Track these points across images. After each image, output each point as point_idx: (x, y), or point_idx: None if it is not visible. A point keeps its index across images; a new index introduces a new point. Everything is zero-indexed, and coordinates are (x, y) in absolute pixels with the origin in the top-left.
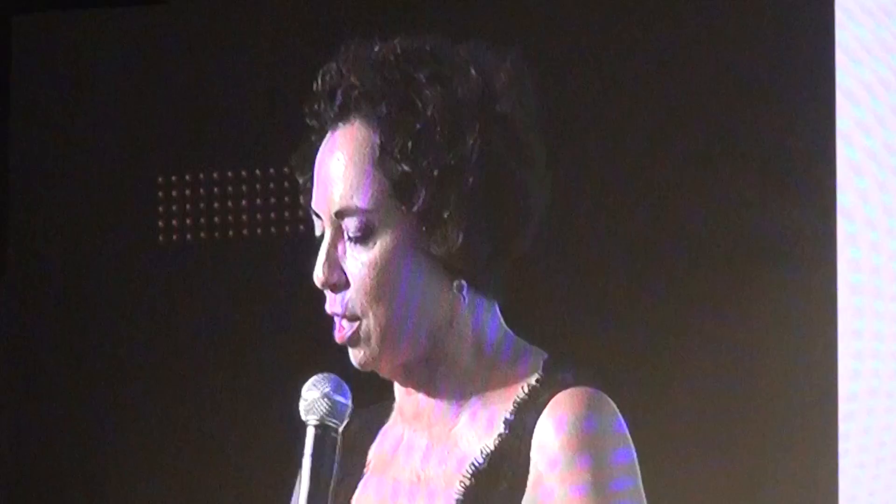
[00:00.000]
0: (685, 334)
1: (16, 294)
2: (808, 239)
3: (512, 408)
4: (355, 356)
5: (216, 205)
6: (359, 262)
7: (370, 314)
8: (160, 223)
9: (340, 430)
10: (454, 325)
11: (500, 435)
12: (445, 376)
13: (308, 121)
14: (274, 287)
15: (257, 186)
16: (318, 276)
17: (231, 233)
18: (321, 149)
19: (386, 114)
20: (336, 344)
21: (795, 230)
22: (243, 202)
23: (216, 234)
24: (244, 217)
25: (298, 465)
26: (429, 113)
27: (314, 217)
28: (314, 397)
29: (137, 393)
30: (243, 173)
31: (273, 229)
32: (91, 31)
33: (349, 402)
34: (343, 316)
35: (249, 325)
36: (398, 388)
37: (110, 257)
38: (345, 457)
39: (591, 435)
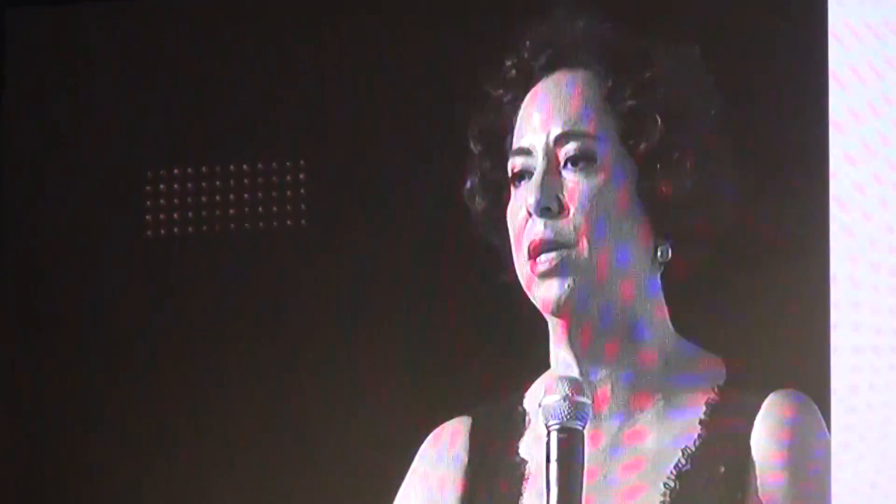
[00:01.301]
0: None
1: (1, 287)
2: (800, 229)
3: (705, 408)
4: (549, 290)
5: (204, 199)
6: (579, 187)
7: (583, 242)
8: (148, 217)
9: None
10: (646, 302)
11: (699, 436)
12: (628, 364)
13: (493, 90)
14: (263, 281)
15: (245, 181)
16: (534, 198)
17: (218, 227)
18: (533, 92)
19: (617, 61)
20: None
21: (788, 221)
22: (231, 196)
23: (204, 228)
24: (232, 211)
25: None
26: (658, 65)
27: (515, 158)
28: (554, 401)
29: (122, 386)
30: (231, 168)
31: (261, 224)
32: (81, 25)
33: (590, 401)
34: (552, 243)
35: (237, 320)
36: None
37: (97, 251)
38: (493, 457)
39: (813, 440)
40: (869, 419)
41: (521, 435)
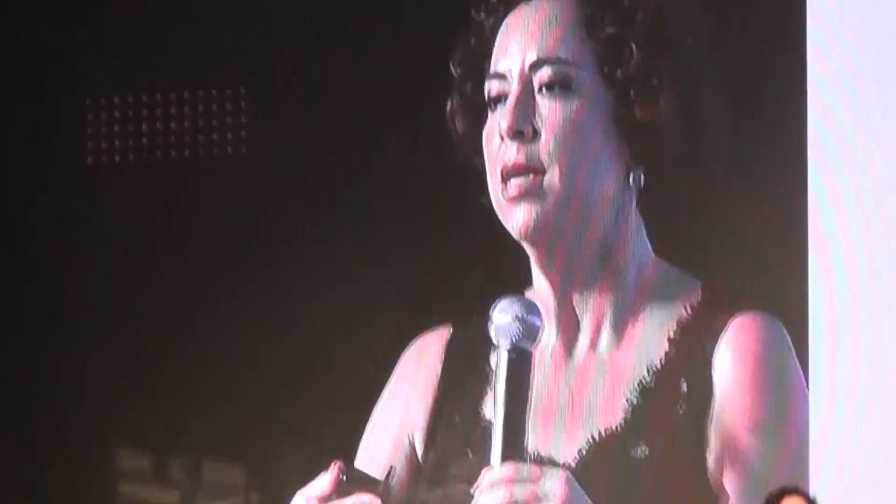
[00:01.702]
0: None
1: None
2: (778, 156)
3: (675, 326)
4: (525, 213)
5: (145, 127)
6: (553, 112)
7: (555, 167)
8: (89, 144)
9: (534, 351)
10: (622, 225)
11: (665, 354)
12: (604, 286)
13: (475, 15)
14: (205, 209)
15: (186, 109)
16: (507, 122)
17: (160, 154)
18: (511, 17)
19: None
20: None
21: (767, 148)
22: (172, 124)
23: (145, 156)
24: (173, 139)
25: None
26: None
27: (491, 82)
28: (506, 321)
29: (60, 315)
30: (172, 95)
31: (201, 151)
32: None
33: (541, 323)
34: (525, 168)
35: (178, 248)
36: (545, 296)
37: (38, 179)
38: (465, 368)
39: (778, 364)
40: (847, 347)
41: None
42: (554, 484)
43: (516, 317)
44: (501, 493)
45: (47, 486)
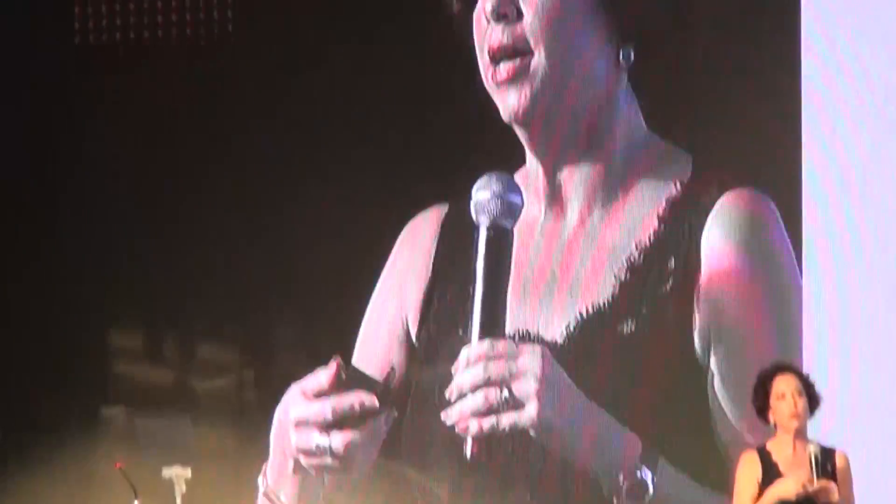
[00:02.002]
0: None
1: None
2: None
3: (665, 204)
4: (508, 99)
5: (132, 6)
6: None
7: (541, 49)
8: (77, 24)
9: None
10: (612, 104)
11: (654, 231)
12: (595, 163)
13: None
14: (193, 91)
15: None
16: (491, 4)
17: (147, 34)
18: None
19: None
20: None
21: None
22: (158, 3)
23: (132, 36)
24: (160, 19)
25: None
26: None
27: None
28: (486, 198)
29: (53, 194)
30: None
31: (188, 31)
32: None
33: (521, 202)
34: (512, 50)
35: (169, 127)
36: (536, 174)
37: (27, 58)
38: (458, 243)
39: (767, 241)
40: (841, 224)
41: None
42: (529, 360)
43: (495, 195)
44: (477, 370)
45: (42, 365)
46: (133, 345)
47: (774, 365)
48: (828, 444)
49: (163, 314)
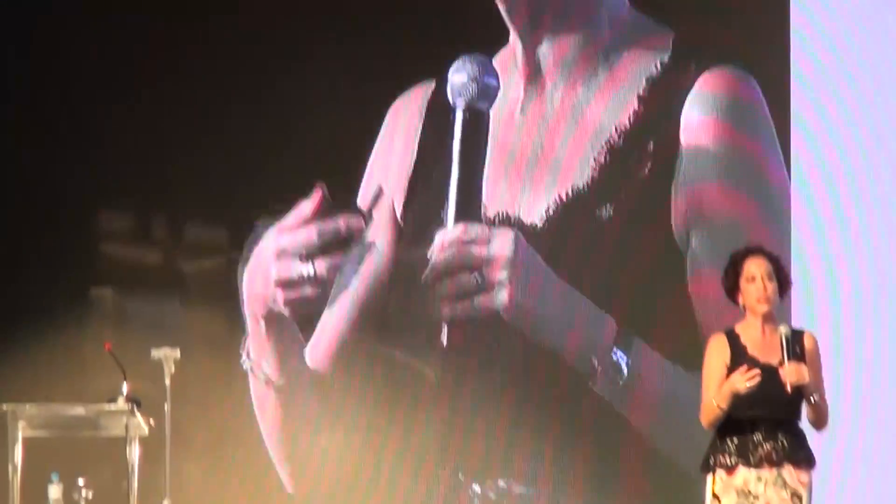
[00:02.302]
0: None
1: None
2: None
3: (645, 85)
4: None
5: None
6: None
7: None
8: None
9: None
10: None
11: (634, 112)
12: (575, 39)
13: None
14: None
15: None
16: None
17: None
18: None
19: None
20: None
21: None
22: None
23: None
24: None
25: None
26: None
27: None
28: (462, 81)
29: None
30: None
31: None
32: None
33: (497, 84)
34: None
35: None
36: (516, 52)
37: None
38: (444, 119)
39: (748, 120)
40: (832, 108)
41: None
42: (503, 245)
43: (471, 77)
44: (452, 254)
45: (31, 247)
46: (122, 226)
47: (746, 247)
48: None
49: (152, 195)
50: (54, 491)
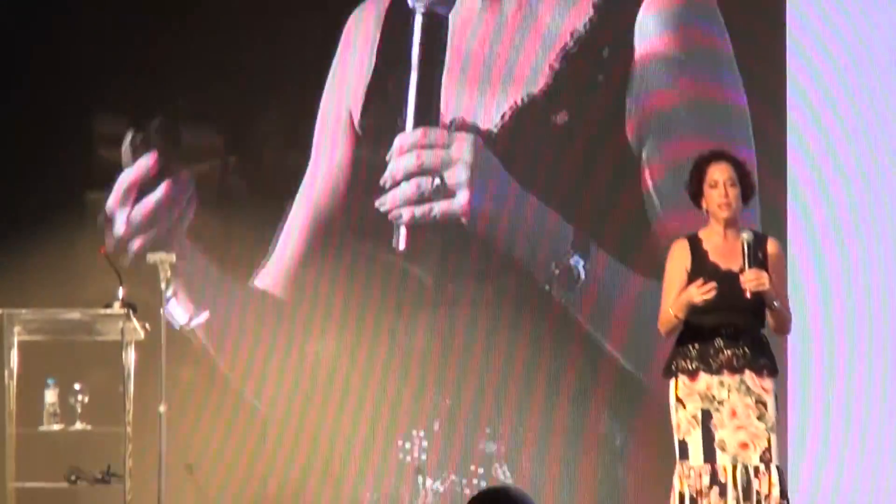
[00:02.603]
0: None
1: None
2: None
3: None
4: None
5: None
6: None
7: None
8: None
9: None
10: None
11: (590, 19)
12: None
13: None
14: None
15: None
16: None
17: None
18: None
19: None
20: None
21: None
22: None
23: None
24: None
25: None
26: None
27: None
28: None
29: None
30: None
31: None
32: None
33: None
34: None
35: None
36: None
37: None
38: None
39: (701, 23)
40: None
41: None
42: (461, 148)
43: None
44: (410, 159)
45: (26, 151)
46: (118, 129)
47: (711, 151)
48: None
49: (147, 98)
50: (50, 395)
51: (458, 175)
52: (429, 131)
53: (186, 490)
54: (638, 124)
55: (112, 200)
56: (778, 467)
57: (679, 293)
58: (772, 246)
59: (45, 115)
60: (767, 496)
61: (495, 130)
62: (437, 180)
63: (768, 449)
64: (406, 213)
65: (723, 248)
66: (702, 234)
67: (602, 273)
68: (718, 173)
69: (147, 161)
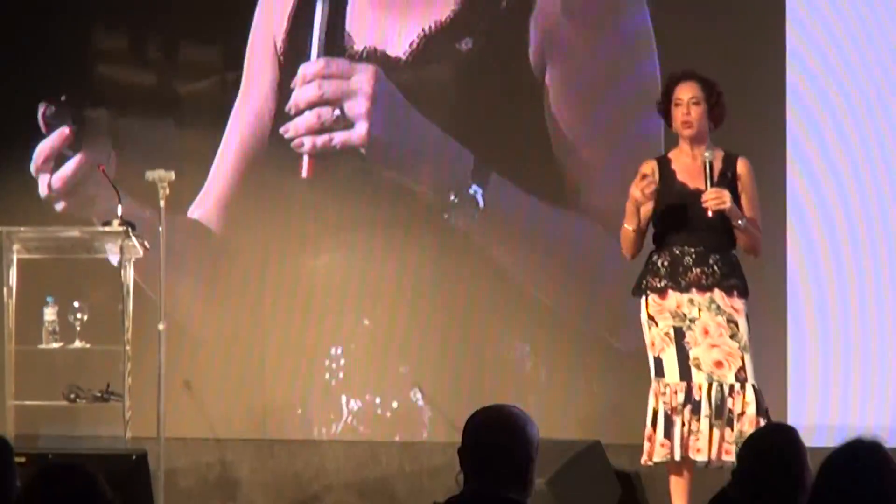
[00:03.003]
0: None
1: None
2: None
3: None
4: None
5: None
6: None
7: None
8: None
9: None
10: None
11: None
12: None
13: None
14: None
15: None
16: None
17: None
18: None
19: None
20: None
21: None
22: None
23: None
24: None
25: None
26: None
27: None
28: None
29: None
30: None
31: None
32: None
33: None
34: None
35: None
36: None
37: None
38: None
39: None
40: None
41: None
42: (363, 79)
43: None
44: (312, 88)
45: (26, 68)
46: (116, 45)
47: (682, 71)
48: None
49: (146, 14)
50: (49, 313)
51: (357, 106)
52: (330, 62)
53: (185, 408)
54: (539, 48)
55: (32, 166)
56: (754, 386)
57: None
58: (742, 166)
59: (46, 29)
60: (741, 414)
61: (404, 58)
62: (337, 111)
63: (743, 368)
64: (308, 143)
65: (691, 167)
66: (671, 154)
67: (503, 201)
68: (682, 92)
69: (62, 133)
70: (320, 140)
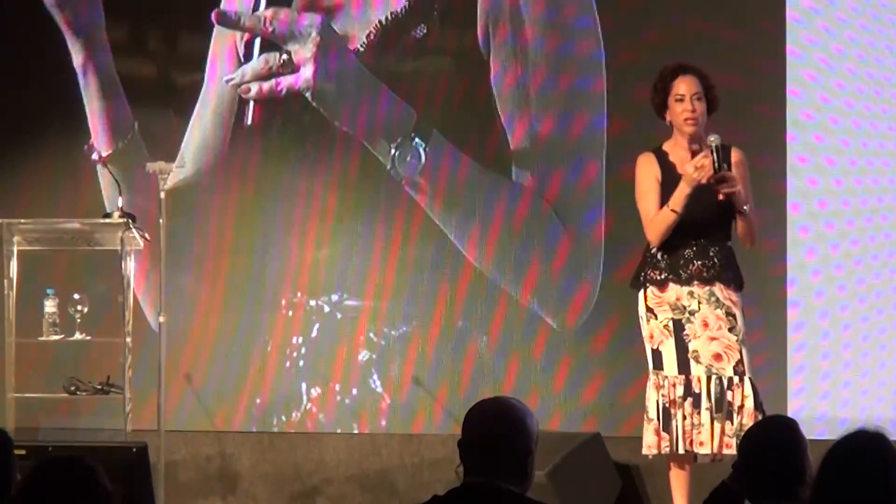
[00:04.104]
0: None
1: None
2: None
3: None
4: None
5: None
6: None
7: None
8: None
9: None
10: None
11: None
12: None
13: None
14: None
15: None
16: None
17: None
18: None
19: None
20: None
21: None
22: None
23: None
24: None
25: None
26: None
27: None
28: None
29: None
30: None
31: None
32: None
33: None
34: None
35: None
36: None
37: None
38: None
39: None
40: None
41: None
42: (309, 23)
43: None
44: (258, 33)
45: (23, 59)
46: (116, 37)
47: (678, 63)
48: None
49: (147, 5)
50: (50, 306)
51: (303, 51)
52: (279, 10)
53: (186, 400)
54: (486, 30)
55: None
56: (750, 379)
57: (657, 200)
58: (736, 154)
59: (46, 20)
60: (741, 407)
61: (362, 49)
62: (284, 56)
63: (741, 361)
64: (255, 88)
65: (688, 160)
66: (666, 146)
67: (444, 159)
68: (685, 87)
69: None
70: (266, 85)
